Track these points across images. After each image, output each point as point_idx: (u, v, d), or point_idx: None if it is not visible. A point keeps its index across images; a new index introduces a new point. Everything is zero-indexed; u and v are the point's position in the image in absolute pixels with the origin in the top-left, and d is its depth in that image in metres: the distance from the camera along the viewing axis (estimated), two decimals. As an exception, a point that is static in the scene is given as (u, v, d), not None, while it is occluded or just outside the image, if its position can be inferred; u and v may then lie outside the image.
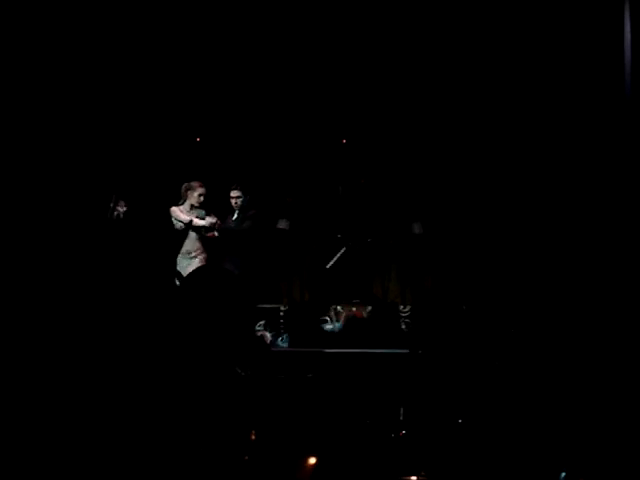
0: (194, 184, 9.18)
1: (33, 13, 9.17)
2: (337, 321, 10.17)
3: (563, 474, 5.32)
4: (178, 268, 9.03)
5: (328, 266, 10.60)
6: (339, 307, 10.19)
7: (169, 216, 9.19)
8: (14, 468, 4.91)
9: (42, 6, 9.22)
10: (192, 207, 9.16)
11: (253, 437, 5.66)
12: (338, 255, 10.62)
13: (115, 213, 9.16)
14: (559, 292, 9.06)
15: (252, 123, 10.94)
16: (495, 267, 9.96)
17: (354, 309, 10.22)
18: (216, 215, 9.26)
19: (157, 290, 8.54)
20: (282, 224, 10.96)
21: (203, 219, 9.09)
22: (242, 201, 9.46)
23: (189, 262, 9.01)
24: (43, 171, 9.22)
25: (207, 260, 9.11)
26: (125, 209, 9.20)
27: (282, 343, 10.13)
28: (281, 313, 10.21)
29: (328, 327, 10.15)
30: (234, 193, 9.44)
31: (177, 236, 9.15)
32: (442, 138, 10.71)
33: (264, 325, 9.96)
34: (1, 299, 8.11)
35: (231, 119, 10.93)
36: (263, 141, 11.07)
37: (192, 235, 9.11)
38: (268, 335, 9.97)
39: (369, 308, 10.19)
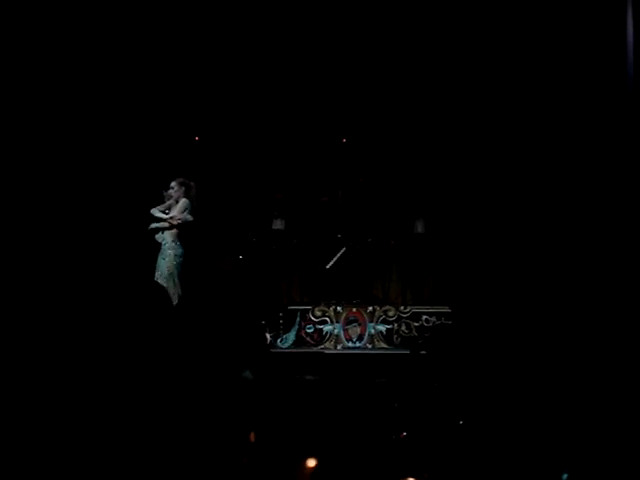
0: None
1: (33, 13, 9.14)
2: (337, 322, 10.14)
3: (565, 476, 5.28)
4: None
5: (328, 266, 10.56)
6: (339, 308, 10.15)
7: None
8: (14, 468, 4.86)
9: (42, 6, 9.19)
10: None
11: (252, 439, 5.61)
12: (338, 255, 10.58)
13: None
14: (559, 292, 9.02)
15: (252, 122, 10.91)
16: (495, 267, 9.92)
17: (354, 309, 10.18)
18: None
19: (159, 292, 8.46)
20: (277, 224, 10.94)
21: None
22: (174, 192, 9.03)
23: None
24: (42, 171, 9.17)
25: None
26: None
27: (282, 344, 10.09)
28: (281, 314, 10.18)
29: (328, 328, 10.12)
30: (171, 184, 9.00)
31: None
32: (442, 137, 10.68)
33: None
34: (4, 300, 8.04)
35: (230, 118, 10.90)
36: (262, 140, 11.04)
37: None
38: (267, 336, 9.93)
39: (369, 309, 10.16)
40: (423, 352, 8.62)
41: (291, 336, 10.10)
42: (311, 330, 10.13)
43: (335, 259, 10.56)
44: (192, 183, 8.84)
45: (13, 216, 8.61)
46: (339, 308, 10.15)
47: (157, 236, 8.79)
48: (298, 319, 10.16)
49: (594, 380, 6.78)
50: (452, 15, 9.88)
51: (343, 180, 11.10)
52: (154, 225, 8.77)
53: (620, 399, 6.28)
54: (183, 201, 8.72)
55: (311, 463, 5.34)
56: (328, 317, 10.15)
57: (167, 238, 8.67)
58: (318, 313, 10.18)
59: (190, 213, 8.78)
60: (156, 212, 8.79)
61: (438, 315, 10.01)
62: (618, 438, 5.60)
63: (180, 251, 8.62)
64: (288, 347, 10.04)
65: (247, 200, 11.14)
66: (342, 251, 10.61)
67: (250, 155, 11.11)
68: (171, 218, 8.68)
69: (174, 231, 8.68)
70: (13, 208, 8.66)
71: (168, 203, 8.92)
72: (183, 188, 8.75)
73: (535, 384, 6.93)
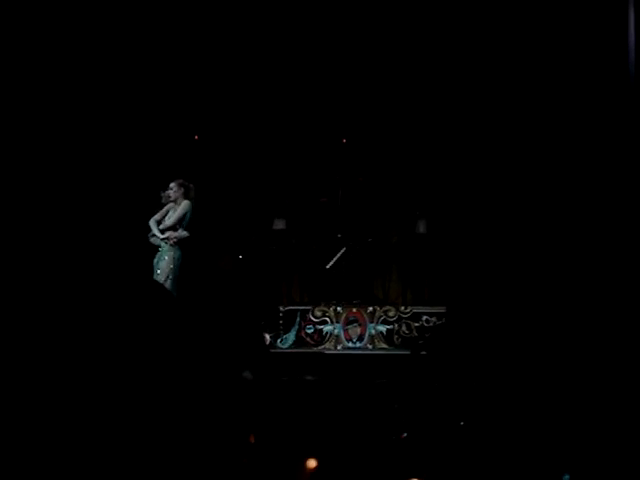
0: None
1: (33, 13, 9.13)
2: (337, 322, 10.13)
3: (566, 477, 5.27)
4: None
5: (328, 266, 10.55)
6: (339, 308, 10.14)
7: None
8: (14, 468, 4.85)
9: (42, 6, 9.18)
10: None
11: (252, 439, 5.60)
12: (338, 255, 10.57)
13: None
14: (560, 292, 9.01)
15: (252, 122, 10.89)
16: (494, 267, 9.91)
17: (354, 310, 10.17)
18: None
19: (159, 293, 8.43)
20: (278, 224, 10.92)
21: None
22: (172, 193, 8.84)
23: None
24: (41, 172, 9.16)
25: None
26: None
27: (282, 344, 10.08)
28: (280, 314, 10.17)
29: (328, 328, 10.11)
30: (170, 185, 8.58)
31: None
32: (443, 136, 10.66)
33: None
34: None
35: (230, 118, 10.88)
36: (263, 140, 11.02)
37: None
38: (267, 336, 9.92)
39: (370, 309, 10.16)
40: (423, 353, 8.62)
41: (291, 336, 10.10)
42: (311, 330, 10.12)
43: (335, 259, 10.55)
44: (191, 185, 8.74)
45: (12, 214, 8.58)
46: (339, 308, 10.14)
47: (153, 239, 8.71)
48: (298, 319, 10.15)
49: (593, 380, 6.78)
50: (452, 14, 9.85)
51: (343, 180, 11.09)
52: (155, 233, 8.63)
53: (619, 399, 6.27)
54: (184, 204, 8.59)
55: (311, 463, 5.33)
56: (328, 317, 10.14)
57: (162, 243, 8.58)
58: (318, 313, 10.17)
59: (190, 215, 8.67)
60: (154, 227, 8.66)
61: (438, 315, 10.00)
62: (618, 438, 5.59)
63: (178, 254, 8.52)
64: (288, 347, 10.03)
65: (247, 200, 11.12)
66: (342, 251, 10.60)
67: (250, 155, 11.09)
68: (167, 238, 8.55)
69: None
70: (12, 206, 8.64)
71: (166, 208, 8.77)
72: (182, 189, 8.64)
73: (535, 385, 6.92)
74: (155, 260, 8.50)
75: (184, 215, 8.54)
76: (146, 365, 6.17)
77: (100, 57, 9.67)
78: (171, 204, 8.61)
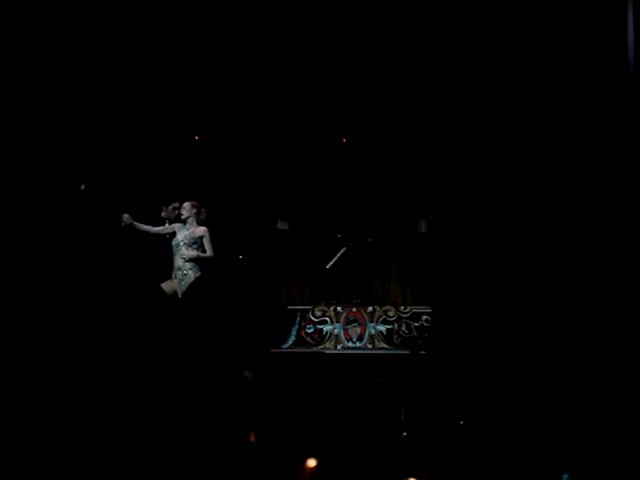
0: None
1: (33, 13, 9.15)
2: (337, 322, 10.14)
3: (565, 476, 5.28)
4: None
5: (328, 266, 10.56)
6: (339, 308, 10.15)
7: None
8: (14, 468, 4.87)
9: (42, 6, 9.20)
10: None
11: (252, 439, 5.61)
12: (338, 255, 10.59)
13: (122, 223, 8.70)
14: (560, 292, 9.02)
15: (252, 123, 10.91)
16: (495, 267, 9.91)
17: (354, 309, 10.18)
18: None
19: (161, 295, 8.45)
20: (282, 225, 10.94)
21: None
22: (185, 212, 8.56)
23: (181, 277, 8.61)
24: (40, 171, 9.17)
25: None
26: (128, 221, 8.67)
27: (282, 344, 10.09)
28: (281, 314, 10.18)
29: (328, 328, 10.12)
30: (184, 204, 8.62)
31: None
32: (444, 137, 10.68)
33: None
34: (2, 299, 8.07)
35: (230, 118, 10.90)
36: (263, 141, 11.04)
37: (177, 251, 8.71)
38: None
39: (370, 309, 10.16)
40: (423, 352, 8.63)
41: (291, 336, 10.11)
42: (311, 330, 10.13)
43: (335, 259, 10.57)
44: (203, 209, 8.69)
45: (15, 224, 8.63)
46: (339, 308, 10.15)
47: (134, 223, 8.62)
48: (298, 319, 10.16)
49: (593, 380, 6.79)
50: (452, 14, 9.86)
51: (343, 180, 11.12)
52: (186, 254, 8.54)
53: (619, 399, 6.29)
54: (206, 232, 8.53)
55: (311, 463, 5.34)
56: (328, 317, 10.15)
57: (185, 262, 8.55)
58: (318, 313, 10.18)
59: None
60: (143, 226, 8.62)
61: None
62: (618, 438, 5.60)
63: (198, 270, 8.51)
64: (288, 347, 10.04)
65: (247, 200, 11.15)
66: (342, 251, 10.61)
67: (250, 156, 11.11)
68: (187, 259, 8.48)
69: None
70: (15, 216, 8.69)
71: (172, 226, 8.70)
72: (195, 210, 8.59)
73: (535, 384, 6.93)
74: (178, 279, 8.46)
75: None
76: (148, 365, 6.19)
77: (100, 58, 9.69)
78: (179, 224, 8.57)
